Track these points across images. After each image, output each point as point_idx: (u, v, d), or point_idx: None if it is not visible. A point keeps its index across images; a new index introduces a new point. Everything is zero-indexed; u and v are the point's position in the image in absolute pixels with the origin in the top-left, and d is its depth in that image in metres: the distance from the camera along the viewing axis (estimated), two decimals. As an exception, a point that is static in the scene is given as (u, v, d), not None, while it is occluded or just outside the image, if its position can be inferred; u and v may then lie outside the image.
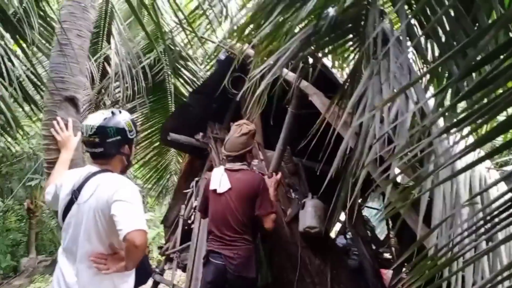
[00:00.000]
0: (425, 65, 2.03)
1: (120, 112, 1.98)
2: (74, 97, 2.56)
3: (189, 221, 4.73)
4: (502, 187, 2.26)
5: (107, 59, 4.89)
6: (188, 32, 3.74)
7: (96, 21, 4.88)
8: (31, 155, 8.21)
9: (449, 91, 2.00)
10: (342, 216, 6.55)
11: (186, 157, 5.07)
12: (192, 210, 4.61)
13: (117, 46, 4.55)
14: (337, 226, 6.31)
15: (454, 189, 1.91)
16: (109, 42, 4.73)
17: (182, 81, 5.48)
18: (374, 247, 4.87)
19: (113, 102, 4.86)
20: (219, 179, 2.94)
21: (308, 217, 3.68)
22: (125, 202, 1.73)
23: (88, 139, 1.91)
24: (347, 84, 2.40)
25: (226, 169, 2.98)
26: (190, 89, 5.33)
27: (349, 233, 5.13)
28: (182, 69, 5.29)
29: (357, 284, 4.01)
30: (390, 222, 5.72)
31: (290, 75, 2.99)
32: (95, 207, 1.78)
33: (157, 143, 6.07)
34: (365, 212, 6.46)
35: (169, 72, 5.09)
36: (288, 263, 3.70)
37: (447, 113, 1.68)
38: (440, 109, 1.92)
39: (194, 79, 5.27)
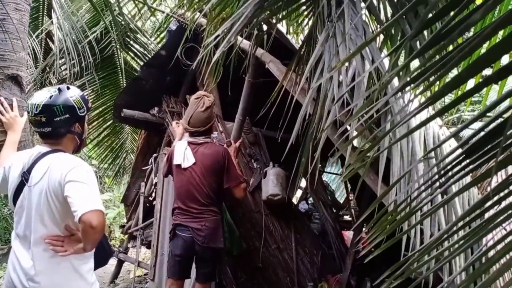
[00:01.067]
0: (379, 26, 2.04)
1: (68, 88, 1.85)
2: (17, 75, 2.39)
3: (150, 198, 4.67)
4: (453, 143, 2.37)
5: (49, 34, 4.59)
6: (136, 2, 3.57)
7: (34, -5, 4.54)
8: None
9: (403, 50, 2.04)
10: (303, 183, 6.69)
11: (142, 134, 4.94)
12: (153, 187, 4.54)
13: (59, 21, 4.27)
14: (299, 193, 6.45)
15: (410, 147, 1.97)
16: (50, 17, 4.43)
17: (132, 54, 5.25)
18: (334, 211, 5.03)
19: (60, 80, 4.59)
20: (182, 154, 2.91)
21: (270, 185, 3.72)
22: (78, 182, 1.66)
23: (35, 119, 1.79)
24: (303, 49, 2.38)
25: (189, 143, 2.93)
26: (141, 63, 5.13)
27: (311, 198, 5.27)
28: (132, 42, 5.07)
29: (320, 247, 4.15)
30: (348, 185, 5.91)
31: (245, 43, 2.93)
32: (47, 189, 1.70)
33: (111, 121, 5.85)
34: (325, 177, 6.62)
35: (118, 46, 4.86)
36: (253, 231, 3.75)
37: (401, 72, 1.72)
38: (394, 68, 1.96)
39: (145, 52, 5.07)
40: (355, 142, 3.02)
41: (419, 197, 1.62)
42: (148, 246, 4.55)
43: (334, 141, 2.22)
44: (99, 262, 1.96)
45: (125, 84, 5.19)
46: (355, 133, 1.84)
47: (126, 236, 5.03)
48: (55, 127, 1.81)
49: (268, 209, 3.88)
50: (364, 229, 4.15)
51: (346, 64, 1.83)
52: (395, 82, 1.98)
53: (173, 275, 2.95)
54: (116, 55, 5.02)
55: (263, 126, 4.22)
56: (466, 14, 1.06)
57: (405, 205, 1.59)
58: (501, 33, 1.11)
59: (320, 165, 2.68)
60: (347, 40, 1.69)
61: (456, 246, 1.49)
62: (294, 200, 5.46)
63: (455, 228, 1.47)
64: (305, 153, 2.23)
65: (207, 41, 2.56)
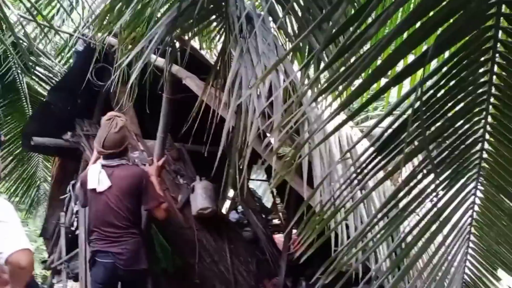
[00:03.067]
0: (287, 39, 2.16)
1: None
2: None
3: (72, 228, 4.40)
4: (365, 141, 2.57)
5: None
6: (36, 24, 3.36)
7: None
8: None
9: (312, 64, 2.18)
10: (230, 193, 6.74)
11: (55, 161, 4.64)
12: (74, 216, 4.28)
13: None
14: (227, 203, 6.49)
15: (327, 149, 2.11)
16: None
17: (36, 78, 4.93)
18: (264, 216, 5.14)
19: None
20: (97, 177, 2.80)
21: (199, 199, 3.71)
22: (2, 222, 1.57)
23: None
24: (219, 64, 2.43)
25: (103, 166, 2.84)
26: (47, 87, 4.83)
27: (240, 207, 5.33)
28: (34, 65, 4.75)
29: (254, 254, 4.22)
30: (274, 190, 6.08)
31: (160, 61, 2.91)
32: None
33: (18, 151, 5.43)
34: (251, 184, 6.73)
35: (19, 71, 4.52)
36: (186, 247, 3.72)
37: (313, 84, 1.84)
38: (306, 80, 2.09)
39: (50, 75, 4.78)
40: (279, 151, 3.14)
41: (341, 195, 1.75)
42: (76, 279, 4.28)
43: (260, 152, 2.29)
44: None
45: (30, 111, 4.86)
46: (277, 143, 1.93)
47: (50, 271, 4.69)
48: None
49: (200, 223, 3.86)
50: (294, 231, 4.31)
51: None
52: (309, 92, 2.11)
53: None
54: (18, 80, 4.67)
55: (185, 141, 4.20)
56: (364, 29, 1.18)
57: (330, 204, 1.70)
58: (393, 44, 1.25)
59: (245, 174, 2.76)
60: (260, 55, 1.77)
61: (378, 236, 1.63)
62: (224, 211, 5.49)
63: (375, 220, 1.61)
64: (232, 164, 2.27)
65: (120, 61, 2.51)
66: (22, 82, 4.70)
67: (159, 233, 3.41)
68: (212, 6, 2.38)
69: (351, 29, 1.25)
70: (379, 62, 1.22)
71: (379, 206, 1.66)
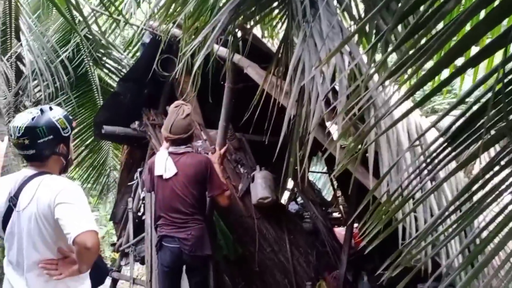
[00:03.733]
0: (353, 22, 2.07)
1: (51, 109, 1.82)
2: (-7, 101, 2.36)
3: (139, 213, 4.61)
4: (434, 131, 2.42)
5: (19, 57, 4.49)
6: (106, 18, 3.53)
7: (1, 18, 4.44)
8: None
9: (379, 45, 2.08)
10: (289, 184, 6.72)
11: (124, 150, 4.87)
12: (141, 202, 4.48)
13: (28, 42, 4.18)
14: (286, 194, 6.47)
15: (395, 137, 2.01)
16: (19, 39, 4.34)
17: (106, 71, 5.20)
18: (323, 209, 5.06)
19: (34, 103, 4.50)
20: (163, 164, 2.89)
21: (259, 189, 3.72)
22: (68, 204, 1.64)
23: (17, 142, 1.75)
24: (281, 51, 2.40)
25: (170, 153, 2.92)
26: (117, 78, 5.08)
27: (299, 198, 5.29)
28: (105, 58, 5.01)
29: (314, 245, 4.17)
30: (335, 183, 5.96)
31: (222, 50, 2.93)
32: (36, 213, 1.66)
33: (90, 140, 5.77)
34: (310, 176, 6.66)
35: (91, 63, 4.79)
36: (247, 236, 3.75)
37: (380, 68, 1.75)
38: (373, 63, 2.00)
39: (119, 67, 5.01)
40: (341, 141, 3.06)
41: (410, 185, 1.65)
42: (142, 262, 4.48)
43: (321, 141, 2.24)
44: (96, 281, 1.94)
45: (101, 101, 5.13)
46: (340, 130, 1.86)
47: (118, 254, 4.95)
48: (39, 149, 1.77)
49: (259, 213, 3.88)
50: (355, 224, 4.20)
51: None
52: (376, 76, 2.02)
53: None
54: (90, 73, 4.96)
55: (246, 131, 4.23)
56: (438, 6, 1.09)
57: (398, 194, 1.61)
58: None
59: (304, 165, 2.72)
60: (325, 39, 1.71)
61: (450, 230, 1.52)
62: (283, 202, 5.48)
63: (447, 213, 1.50)
64: (293, 154, 2.23)
65: (184, 51, 2.56)
66: (93, 74, 4.97)
67: (221, 220, 3.47)
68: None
69: (422, 7, 1.17)
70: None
71: (451, 199, 1.56)
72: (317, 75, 1.65)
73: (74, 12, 3.70)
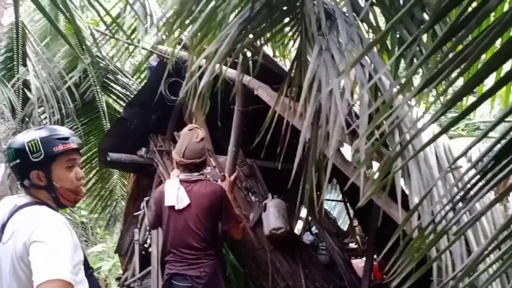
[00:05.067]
0: (373, 35, 1.91)
1: (43, 128, 1.63)
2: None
3: (146, 245, 4.39)
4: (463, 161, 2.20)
5: (26, 83, 4.43)
6: (115, 43, 3.44)
7: (8, 45, 4.41)
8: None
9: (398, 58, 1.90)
10: (303, 213, 6.46)
11: (131, 178, 4.71)
12: (147, 233, 4.28)
13: (35, 68, 4.12)
14: (299, 224, 6.20)
15: (423, 162, 1.79)
16: (25, 65, 4.29)
17: (114, 97, 5.12)
18: (339, 239, 4.79)
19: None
20: (175, 194, 2.66)
21: (272, 219, 3.50)
22: (41, 243, 1.39)
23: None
24: (293, 70, 2.23)
25: (181, 181, 2.70)
26: (124, 105, 4.98)
27: (314, 228, 5.03)
28: (112, 84, 4.93)
29: (331, 279, 3.89)
30: (351, 212, 5.70)
31: (231, 72, 2.79)
32: (12, 252, 1.45)
33: (97, 168, 5.64)
34: (325, 204, 6.40)
35: (98, 89, 4.71)
36: (259, 270, 3.50)
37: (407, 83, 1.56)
38: (397, 77, 1.81)
39: (127, 93, 4.92)
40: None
41: (445, 218, 1.44)
42: (148, 297, 4.24)
43: (340, 167, 2.04)
44: None
45: (109, 128, 5.02)
46: (364, 156, 1.66)
47: (123, 288, 4.70)
48: (14, 174, 1.60)
49: (272, 244, 3.63)
50: (375, 256, 3.92)
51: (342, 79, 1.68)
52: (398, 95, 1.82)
53: None
54: (98, 99, 4.87)
55: (256, 156, 4.05)
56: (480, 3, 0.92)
57: (431, 229, 1.40)
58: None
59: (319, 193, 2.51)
60: (344, 51, 1.54)
61: (491, 270, 1.30)
62: (296, 232, 5.22)
63: (486, 252, 1.28)
64: (308, 181, 2.03)
65: (191, 68, 2.42)
66: (101, 100, 4.88)
67: (231, 253, 3.23)
68: (286, 7, 2.21)
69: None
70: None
71: (491, 236, 1.34)
72: (336, 90, 1.46)
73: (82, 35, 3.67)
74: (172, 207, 2.67)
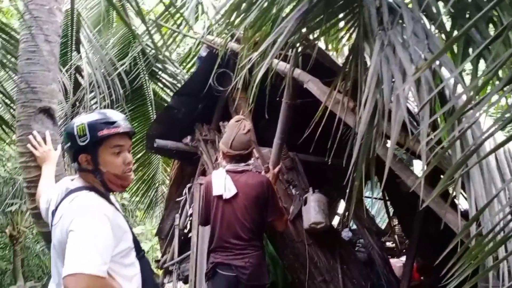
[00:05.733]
0: (437, 31, 1.85)
1: (93, 112, 1.67)
2: (49, 108, 2.33)
3: (185, 230, 4.50)
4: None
5: (78, 69, 4.60)
6: (164, 31, 3.51)
7: (63, 31, 4.58)
8: (7, 180, 7.80)
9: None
10: (340, 209, 6.41)
11: (174, 164, 4.82)
12: (188, 218, 4.38)
13: (88, 55, 4.27)
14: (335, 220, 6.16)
15: (485, 167, 1.74)
16: (78, 52, 4.45)
17: (161, 85, 5.23)
18: (378, 238, 4.73)
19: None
20: (223, 183, 2.68)
21: (312, 213, 3.49)
22: (77, 233, 1.40)
23: None
24: (348, 65, 2.20)
25: (228, 171, 2.72)
26: (171, 93, 5.09)
27: (352, 225, 4.99)
28: (160, 72, 5.04)
29: (369, 277, 3.84)
30: (391, 210, 5.60)
31: (280, 65, 2.78)
32: (59, 236, 1.49)
33: (141, 154, 5.80)
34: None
35: (147, 77, 4.82)
36: (297, 262, 3.51)
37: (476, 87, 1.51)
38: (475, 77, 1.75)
39: (174, 81, 5.02)
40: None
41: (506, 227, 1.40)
42: (185, 281, 4.35)
43: (398, 171, 2.00)
44: None
45: (154, 116, 5.14)
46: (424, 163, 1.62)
47: (162, 271, 4.85)
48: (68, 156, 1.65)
49: (311, 238, 3.63)
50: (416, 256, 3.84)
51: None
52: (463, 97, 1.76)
53: None
54: (145, 87, 4.99)
55: (298, 150, 4.04)
56: None
57: (492, 236, 1.36)
58: None
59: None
60: (409, 47, 1.50)
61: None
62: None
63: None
64: (358, 177, 2.00)
65: (242, 63, 2.43)
66: (148, 88, 5.00)
67: (270, 245, 3.25)
68: (343, 0, 2.18)
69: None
70: None
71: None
72: (401, 89, 1.43)
73: (133, 25, 3.75)
74: (219, 197, 2.68)
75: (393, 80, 1.66)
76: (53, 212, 1.61)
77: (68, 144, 1.59)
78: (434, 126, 1.96)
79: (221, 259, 2.64)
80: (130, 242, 1.61)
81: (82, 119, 1.59)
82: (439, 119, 2.16)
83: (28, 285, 8.70)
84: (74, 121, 1.62)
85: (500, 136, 2.07)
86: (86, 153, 1.57)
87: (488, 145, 1.85)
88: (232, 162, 2.73)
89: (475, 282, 1.37)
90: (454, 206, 1.85)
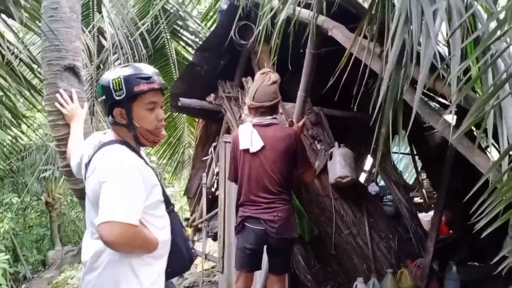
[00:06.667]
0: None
1: (128, 66, 1.63)
2: (74, 66, 2.35)
3: (213, 189, 4.58)
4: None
5: (101, 31, 4.59)
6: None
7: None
8: (39, 147, 8.04)
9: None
10: (367, 165, 6.35)
11: (200, 124, 4.84)
12: (214, 177, 4.44)
13: (109, 15, 4.24)
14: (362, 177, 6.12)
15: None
16: (100, 12, 4.42)
17: (183, 44, 5.17)
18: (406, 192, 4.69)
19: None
20: (249, 137, 2.64)
21: (338, 167, 3.48)
22: (109, 184, 1.43)
23: None
24: (374, 6, 2.10)
25: (254, 125, 2.67)
26: (193, 52, 5.03)
27: (380, 180, 4.96)
28: (182, 30, 4.97)
29: (396, 230, 3.85)
30: (419, 165, 5.51)
31: (303, 12, 2.68)
32: (93, 188, 1.53)
33: (167, 115, 5.84)
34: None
35: (168, 36, 4.77)
36: (323, 216, 3.54)
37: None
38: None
39: (196, 39, 4.96)
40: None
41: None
42: (214, 238, 4.47)
43: (427, 118, 1.93)
44: (175, 269, 1.72)
45: (177, 76, 5.12)
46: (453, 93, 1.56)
47: (191, 229, 4.99)
48: (102, 109, 1.64)
49: (337, 192, 3.64)
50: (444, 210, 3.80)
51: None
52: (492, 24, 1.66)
53: (242, 267, 2.75)
54: (167, 46, 4.96)
55: (323, 104, 3.98)
56: None
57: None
58: None
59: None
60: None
61: None
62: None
63: None
64: (385, 123, 1.93)
65: (263, 10, 2.36)
66: (170, 47, 4.96)
67: (296, 199, 3.26)
68: None
69: None
70: None
71: None
72: (430, 19, 1.36)
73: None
74: (246, 151, 2.65)
75: (422, 18, 1.58)
76: (87, 165, 1.64)
77: (103, 97, 1.59)
78: (466, 73, 1.87)
79: (250, 213, 2.63)
80: (160, 195, 1.64)
81: (118, 72, 1.57)
82: (471, 64, 2.06)
83: (65, 249, 9.11)
84: (107, 74, 1.60)
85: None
86: (121, 107, 1.57)
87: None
88: (257, 115, 2.68)
89: (507, 219, 1.34)
90: (483, 150, 1.79)
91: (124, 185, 1.43)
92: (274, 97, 2.64)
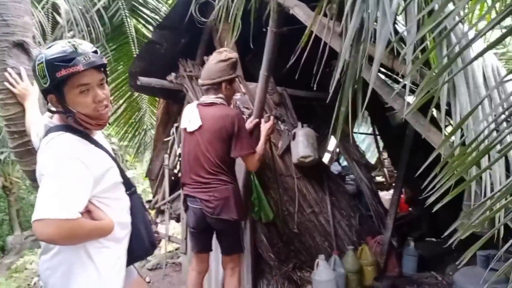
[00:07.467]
0: None
1: (49, 46, 1.47)
2: (23, 42, 2.21)
3: (175, 170, 4.51)
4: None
5: (55, 7, 4.35)
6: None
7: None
8: (-9, 128, 7.62)
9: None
10: (330, 145, 6.45)
11: (160, 104, 4.73)
12: (177, 158, 4.37)
13: (63, -11, 4.03)
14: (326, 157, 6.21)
15: (471, 79, 1.70)
16: (54, -14, 4.19)
17: (143, 21, 4.99)
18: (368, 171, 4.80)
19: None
20: (188, 116, 2.61)
21: (301, 147, 3.50)
22: (45, 177, 1.37)
23: None
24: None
25: (198, 104, 2.63)
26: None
27: (342, 160, 5.04)
28: (141, 7, 4.79)
29: (357, 208, 3.94)
30: (381, 144, 5.64)
31: (265, -10, 2.63)
32: (38, 175, 1.46)
33: (127, 95, 5.68)
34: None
35: (127, 13, 4.58)
36: (286, 195, 3.57)
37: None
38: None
39: (156, 17, 4.79)
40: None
41: (489, 137, 1.38)
42: (177, 219, 4.43)
43: (384, 96, 1.95)
44: (137, 254, 1.66)
45: (138, 54, 4.94)
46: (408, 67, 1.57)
47: (154, 211, 4.92)
48: None
49: (300, 172, 3.67)
50: (403, 189, 3.92)
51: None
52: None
53: (193, 249, 2.78)
54: (126, 23, 4.76)
55: (286, 85, 3.97)
56: None
57: (475, 146, 1.34)
58: None
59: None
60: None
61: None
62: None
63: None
64: (344, 102, 1.94)
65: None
66: (129, 25, 4.78)
67: (256, 179, 3.25)
68: None
69: None
70: None
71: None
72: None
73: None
74: (185, 129, 2.63)
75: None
76: (39, 148, 1.55)
77: (35, 84, 1.51)
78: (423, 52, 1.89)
79: (188, 191, 2.62)
80: (116, 177, 1.57)
81: (42, 56, 1.42)
82: (429, 43, 2.09)
83: (25, 234, 8.83)
84: (36, 56, 1.46)
85: (491, 56, 2.02)
86: (52, 93, 1.45)
87: (477, 66, 1.81)
88: (205, 94, 2.63)
89: (460, 193, 1.37)
90: (439, 128, 1.83)
91: (61, 178, 1.36)
92: (218, 75, 2.56)
